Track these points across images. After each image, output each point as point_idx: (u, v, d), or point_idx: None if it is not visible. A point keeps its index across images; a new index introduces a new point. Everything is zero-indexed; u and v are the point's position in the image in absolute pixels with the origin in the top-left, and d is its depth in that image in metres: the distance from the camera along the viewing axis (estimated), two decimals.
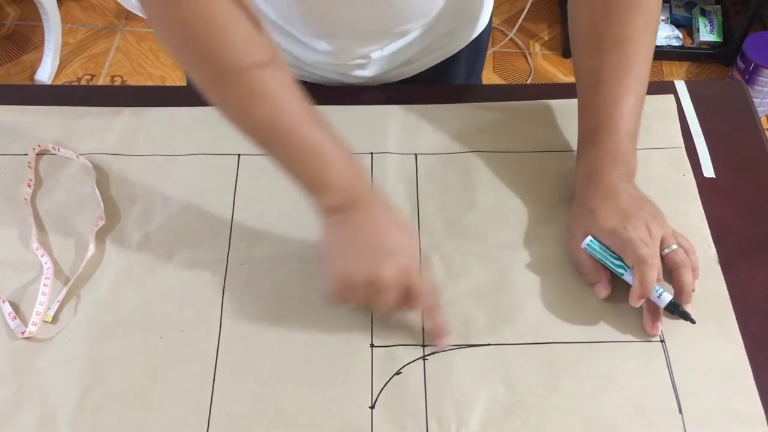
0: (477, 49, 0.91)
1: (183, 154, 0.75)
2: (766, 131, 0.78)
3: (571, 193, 0.70)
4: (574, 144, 0.75)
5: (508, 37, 2.13)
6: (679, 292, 0.62)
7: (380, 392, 0.60)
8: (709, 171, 0.75)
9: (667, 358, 0.61)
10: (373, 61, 0.82)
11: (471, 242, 0.69)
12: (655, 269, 0.60)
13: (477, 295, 0.65)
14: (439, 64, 0.87)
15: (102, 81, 2.02)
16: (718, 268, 0.67)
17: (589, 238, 0.64)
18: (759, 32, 1.96)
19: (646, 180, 0.70)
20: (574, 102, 0.72)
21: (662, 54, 2.05)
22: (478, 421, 0.58)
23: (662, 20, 2.10)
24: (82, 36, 2.13)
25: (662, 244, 0.63)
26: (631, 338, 0.63)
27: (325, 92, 0.84)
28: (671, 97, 0.80)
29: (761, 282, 0.66)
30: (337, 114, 0.78)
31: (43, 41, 1.98)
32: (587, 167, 0.67)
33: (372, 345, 0.62)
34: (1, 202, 0.72)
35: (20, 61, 2.07)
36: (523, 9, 2.04)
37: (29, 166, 0.74)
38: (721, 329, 0.63)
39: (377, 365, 0.61)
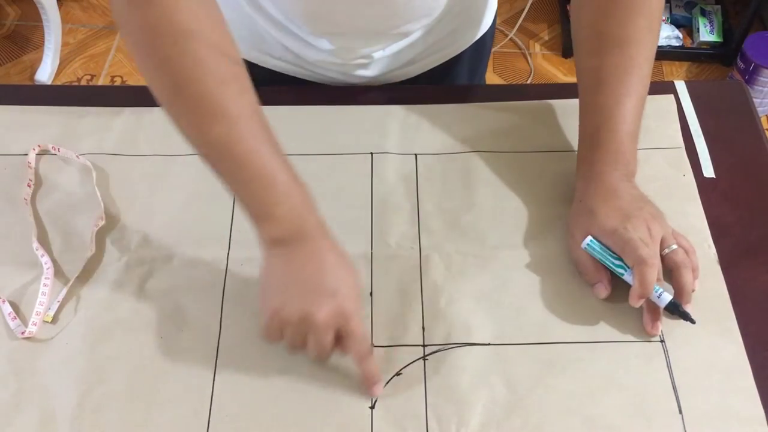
0: (480, 50, 0.91)
1: (183, 154, 0.75)
2: (766, 131, 0.78)
3: (571, 193, 0.70)
4: (574, 144, 0.75)
5: (508, 37, 2.13)
6: (679, 292, 0.62)
7: None
8: (709, 171, 0.75)
9: (667, 358, 0.61)
10: (375, 61, 0.82)
11: (471, 242, 0.69)
12: (655, 269, 0.60)
13: (477, 295, 0.65)
14: (441, 65, 0.87)
15: (102, 81, 2.02)
16: (718, 268, 0.67)
17: (590, 238, 0.64)
18: (759, 32, 1.97)
19: (646, 180, 0.70)
20: (574, 102, 0.72)
21: (662, 54, 2.05)
22: (478, 421, 0.58)
23: (662, 20, 2.10)
24: (82, 36, 2.13)
25: (662, 244, 0.63)
26: (631, 338, 0.63)
27: (326, 92, 0.84)
28: (671, 97, 0.80)
29: (761, 282, 0.66)
30: (337, 114, 0.79)
31: (43, 41, 1.98)
32: (588, 167, 0.67)
33: (372, 345, 0.62)
34: (1, 202, 0.72)
35: (20, 61, 2.07)
36: (523, 9, 2.05)
37: (29, 166, 0.74)
38: (721, 329, 0.63)
39: (377, 365, 0.61)
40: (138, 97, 0.82)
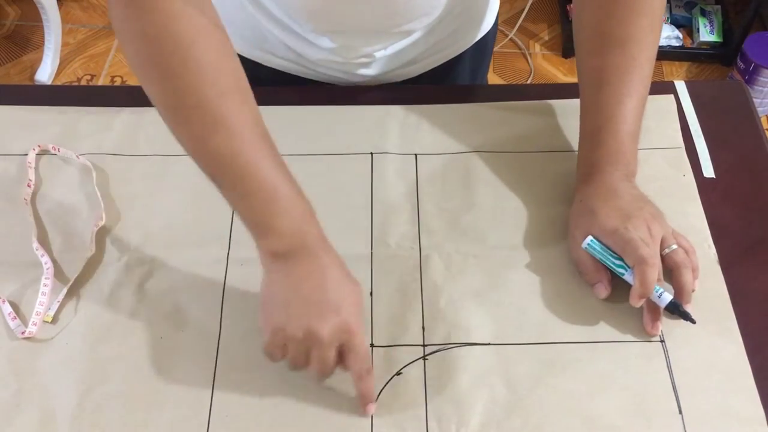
0: (481, 50, 0.91)
1: (183, 154, 0.75)
2: (766, 131, 0.78)
3: (571, 193, 0.70)
4: (574, 144, 0.75)
5: (508, 37, 2.13)
6: (679, 292, 0.62)
7: (380, 392, 0.60)
8: (709, 171, 0.75)
9: (667, 358, 0.61)
10: (377, 60, 0.82)
11: (471, 242, 0.69)
12: (655, 269, 0.60)
13: (477, 295, 0.65)
14: (443, 64, 0.87)
15: (102, 81, 2.02)
16: (718, 268, 0.67)
17: (590, 237, 0.64)
18: (759, 32, 1.97)
19: (646, 180, 0.70)
20: (574, 102, 0.72)
21: (662, 54, 2.05)
22: (478, 421, 0.58)
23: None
24: (82, 36, 2.13)
25: (662, 244, 0.63)
26: (631, 338, 0.63)
27: (327, 92, 0.84)
28: (671, 97, 0.80)
29: (761, 282, 0.66)
30: (337, 114, 0.79)
31: (43, 41, 1.98)
32: (588, 167, 0.67)
33: (372, 345, 0.62)
34: (1, 202, 0.72)
35: (20, 61, 2.07)
36: (523, 9, 2.05)
37: (29, 166, 0.74)
38: (721, 329, 0.63)
39: (377, 365, 0.61)
40: (138, 97, 0.81)
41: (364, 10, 0.74)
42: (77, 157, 0.75)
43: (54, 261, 0.67)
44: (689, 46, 2.09)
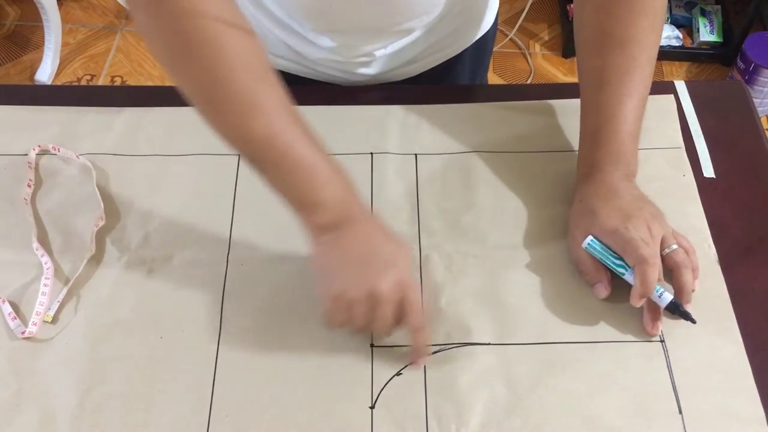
0: (481, 49, 0.91)
1: (183, 154, 0.75)
2: (766, 131, 0.78)
3: (571, 193, 0.70)
4: (574, 144, 0.75)
5: (508, 37, 2.13)
6: (679, 292, 0.62)
7: (380, 392, 0.60)
8: (709, 171, 0.75)
9: (667, 358, 0.61)
10: (377, 60, 0.82)
11: (471, 242, 0.69)
12: (656, 269, 0.60)
13: (477, 295, 0.65)
14: (442, 64, 0.87)
15: (102, 81, 2.02)
16: (718, 268, 0.67)
17: (590, 237, 0.64)
18: (759, 32, 1.96)
19: (646, 180, 0.70)
20: (574, 102, 0.72)
21: (662, 54, 2.05)
22: (478, 421, 0.58)
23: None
24: (82, 36, 2.13)
25: (662, 244, 0.63)
26: (631, 338, 0.63)
27: (327, 91, 0.84)
28: (671, 97, 0.80)
29: (761, 282, 0.66)
30: (337, 114, 0.79)
31: (43, 41, 1.98)
32: (588, 167, 0.67)
33: (372, 345, 0.62)
34: (1, 202, 0.72)
35: (20, 61, 2.07)
36: (523, 9, 2.05)
37: (29, 166, 0.74)
38: (721, 329, 0.63)
39: (377, 365, 0.61)
40: (138, 97, 0.82)
41: (364, 8, 0.74)
42: (77, 157, 0.75)
43: (54, 261, 0.67)
44: (689, 46, 2.09)
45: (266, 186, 0.60)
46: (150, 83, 2.00)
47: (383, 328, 0.59)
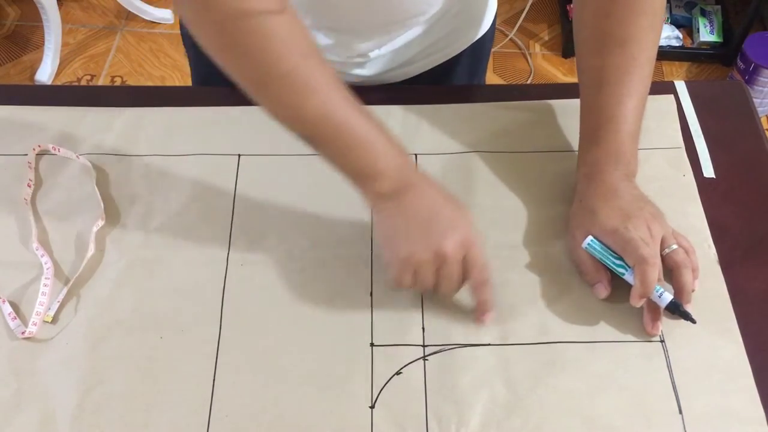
0: (479, 52, 0.90)
1: (183, 154, 0.75)
2: (766, 131, 0.78)
3: (571, 193, 0.70)
4: (574, 144, 0.75)
5: (508, 37, 2.13)
6: (679, 292, 0.62)
7: (380, 392, 0.60)
8: (709, 171, 0.75)
9: (667, 358, 0.61)
10: (372, 60, 0.82)
11: None
12: (656, 269, 0.60)
13: None
14: (439, 65, 0.87)
15: (102, 81, 2.02)
16: (718, 268, 0.67)
17: (590, 237, 0.64)
18: (759, 32, 1.96)
19: (646, 180, 0.70)
20: (574, 102, 0.72)
21: (662, 54, 2.05)
22: (478, 421, 0.58)
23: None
24: (82, 36, 2.13)
25: (662, 244, 0.63)
26: (631, 338, 0.63)
27: None
28: (671, 97, 0.80)
29: (761, 282, 0.66)
30: None
31: (43, 41, 1.98)
32: (588, 167, 0.67)
33: (372, 345, 0.62)
34: (1, 202, 0.72)
35: (20, 61, 2.07)
36: (523, 9, 2.05)
37: (29, 166, 0.74)
38: (721, 329, 0.63)
39: (377, 365, 0.61)
40: (138, 97, 0.82)
41: (357, 5, 0.73)
42: (77, 157, 0.75)
43: (54, 261, 0.67)
44: (689, 46, 2.09)
45: (323, 161, 0.61)
46: (150, 83, 2.00)
47: (450, 287, 0.62)
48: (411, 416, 0.59)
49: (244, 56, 0.58)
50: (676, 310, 0.62)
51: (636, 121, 0.67)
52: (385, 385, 0.60)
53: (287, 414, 0.59)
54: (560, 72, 2.10)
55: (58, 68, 2.02)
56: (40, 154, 0.76)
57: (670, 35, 2.08)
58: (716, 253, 0.68)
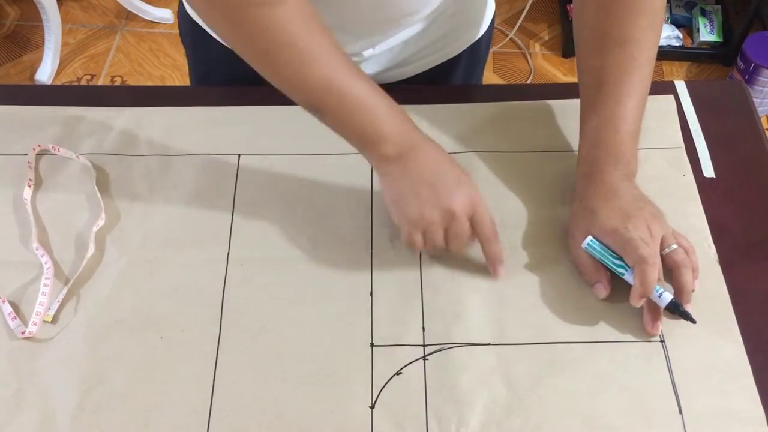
0: (476, 54, 0.90)
1: (183, 154, 0.75)
2: (766, 131, 0.78)
3: (571, 193, 0.70)
4: (574, 144, 0.75)
5: (508, 37, 2.13)
6: (679, 292, 0.62)
7: (380, 392, 0.60)
8: (709, 171, 0.75)
9: (667, 358, 0.61)
10: (366, 60, 0.81)
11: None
12: (656, 269, 0.60)
13: (477, 295, 0.65)
14: (435, 67, 0.86)
15: (102, 81, 2.02)
16: (718, 268, 0.67)
17: (590, 238, 0.64)
18: (759, 32, 1.96)
19: (646, 180, 0.70)
20: (574, 102, 0.72)
21: (662, 54, 2.05)
22: (478, 421, 0.58)
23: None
24: (82, 36, 2.13)
25: (662, 244, 0.63)
26: (631, 338, 0.63)
27: None
28: (671, 97, 0.80)
29: (761, 282, 0.66)
30: None
31: (43, 41, 1.98)
32: (588, 166, 0.67)
33: (372, 345, 0.63)
34: (1, 202, 0.72)
35: (20, 61, 2.07)
36: (523, 9, 2.05)
37: (29, 166, 0.74)
38: (721, 329, 0.63)
39: (377, 365, 0.61)
40: (138, 97, 0.82)
41: (347, 0, 0.73)
42: (77, 157, 0.75)
43: (54, 261, 0.67)
44: (689, 46, 2.09)
45: (328, 128, 0.63)
46: (150, 83, 2.00)
47: (459, 244, 0.64)
48: (411, 416, 0.59)
49: (250, 32, 0.59)
50: (676, 310, 0.62)
51: (636, 121, 0.67)
52: (385, 385, 0.60)
53: (287, 414, 0.59)
54: (560, 72, 2.10)
55: (58, 68, 2.02)
56: (40, 154, 0.76)
57: (670, 35, 2.08)
58: (716, 253, 0.68)
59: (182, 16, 0.88)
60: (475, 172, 0.74)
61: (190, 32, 0.87)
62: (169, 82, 2.01)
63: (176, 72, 2.04)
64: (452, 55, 0.87)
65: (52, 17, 1.93)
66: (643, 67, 0.67)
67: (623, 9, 0.66)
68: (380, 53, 0.81)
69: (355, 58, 0.80)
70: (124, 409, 0.59)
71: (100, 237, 0.69)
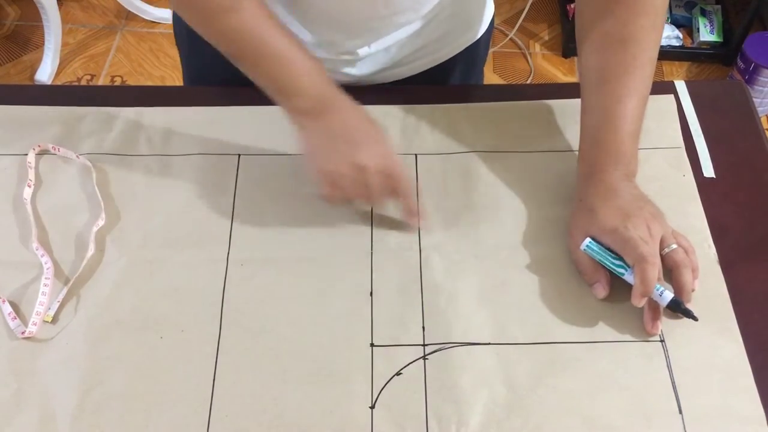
0: (474, 56, 0.90)
1: (183, 154, 0.75)
2: (766, 131, 0.78)
3: (571, 193, 0.70)
4: (574, 144, 0.75)
5: (508, 37, 2.13)
6: (679, 291, 0.62)
7: (380, 392, 0.60)
8: (709, 171, 0.75)
9: (667, 357, 0.61)
10: (362, 59, 0.81)
11: (471, 242, 0.69)
12: (655, 267, 0.60)
13: (477, 295, 0.65)
14: (432, 68, 0.86)
15: (102, 81, 2.02)
16: (718, 268, 0.67)
17: (588, 239, 0.64)
18: (759, 32, 1.96)
19: (646, 180, 0.70)
20: (574, 102, 0.72)
21: (662, 54, 2.05)
22: (478, 421, 0.58)
23: None
24: (82, 36, 2.13)
25: (662, 244, 0.63)
26: (631, 338, 0.63)
27: None
28: (671, 97, 0.80)
29: (761, 282, 0.66)
30: None
31: (43, 41, 1.98)
32: (588, 166, 0.67)
33: (372, 345, 0.63)
34: (1, 202, 0.72)
35: (20, 61, 2.07)
36: (523, 9, 2.05)
37: (29, 166, 0.74)
38: (721, 329, 0.63)
39: (377, 365, 0.61)
40: (138, 97, 0.82)
41: None
42: (77, 157, 0.75)
43: (54, 261, 0.67)
44: (689, 46, 2.09)
45: (249, 77, 0.65)
46: (150, 83, 2.00)
47: (372, 196, 0.66)
48: (411, 416, 0.59)
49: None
50: (678, 308, 0.62)
51: (636, 121, 0.67)
52: (385, 385, 0.60)
53: (287, 414, 0.59)
54: (560, 72, 2.10)
55: (58, 68, 2.02)
56: (40, 154, 0.76)
57: (670, 35, 2.08)
58: (716, 253, 0.68)
59: (176, 17, 0.88)
60: (474, 172, 0.74)
61: (184, 33, 0.87)
62: (169, 82, 2.01)
63: (176, 72, 2.03)
64: (449, 57, 0.86)
65: (52, 17, 1.93)
66: (644, 67, 0.67)
67: (624, 9, 0.66)
68: (375, 52, 0.80)
69: (349, 56, 0.80)
70: (124, 409, 0.59)
71: (100, 237, 0.69)
